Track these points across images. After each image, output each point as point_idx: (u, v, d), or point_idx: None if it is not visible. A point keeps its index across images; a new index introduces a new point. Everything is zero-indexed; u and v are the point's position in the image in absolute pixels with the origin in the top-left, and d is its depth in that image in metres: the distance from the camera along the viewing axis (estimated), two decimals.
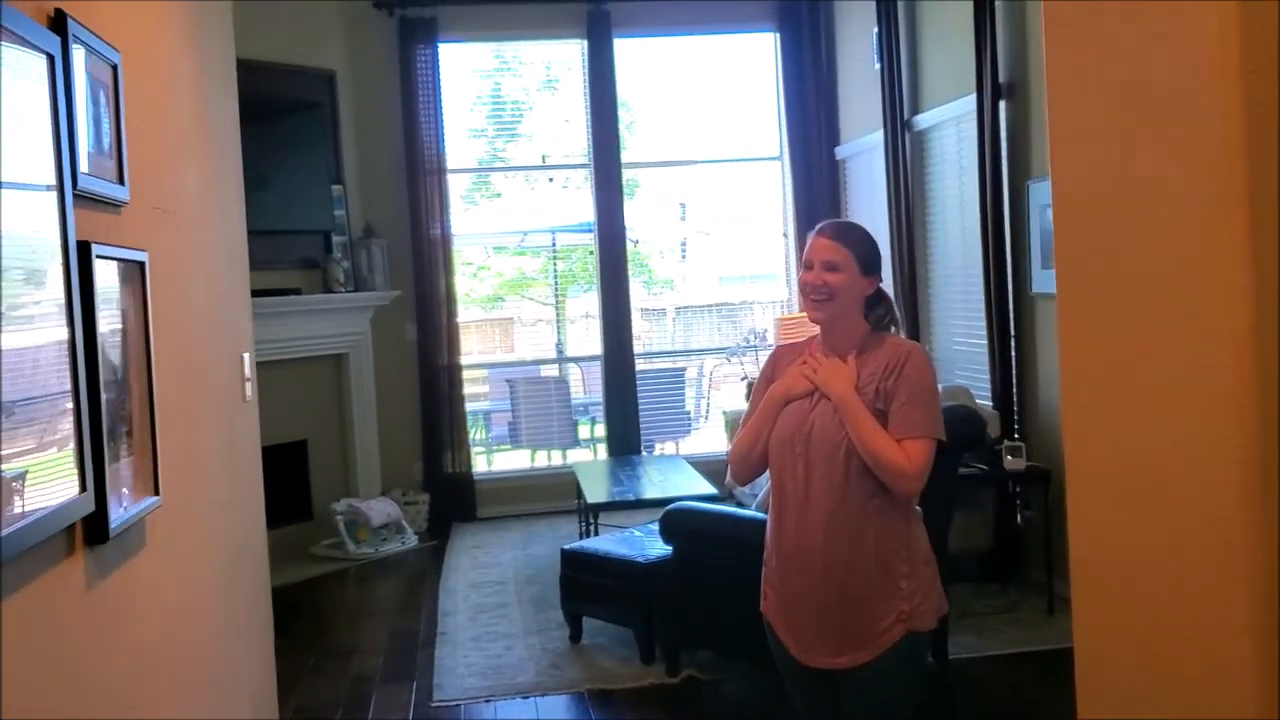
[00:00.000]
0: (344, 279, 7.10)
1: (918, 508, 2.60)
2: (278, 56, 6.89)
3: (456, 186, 8.21)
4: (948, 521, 4.42)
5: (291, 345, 6.86)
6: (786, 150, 8.07)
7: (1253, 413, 1.34)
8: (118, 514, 1.82)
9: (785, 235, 8.28)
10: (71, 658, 1.67)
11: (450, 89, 7.88)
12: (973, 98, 5.68)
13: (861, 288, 2.48)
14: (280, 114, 6.99)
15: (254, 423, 3.16)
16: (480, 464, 8.74)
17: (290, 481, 7.12)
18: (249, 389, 3.08)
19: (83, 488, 1.68)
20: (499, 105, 8.93)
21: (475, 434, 9.04)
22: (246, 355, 3.08)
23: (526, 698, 4.52)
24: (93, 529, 1.74)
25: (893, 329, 2.59)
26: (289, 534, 6.96)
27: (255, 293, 6.47)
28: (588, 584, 5.00)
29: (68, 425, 1.65)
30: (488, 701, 4.51)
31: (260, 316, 6.51)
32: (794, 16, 7.86)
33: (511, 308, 10.93)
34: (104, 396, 1.77)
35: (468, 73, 8.48)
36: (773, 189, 8.37)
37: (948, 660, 4.53)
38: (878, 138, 6.93)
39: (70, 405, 1.66)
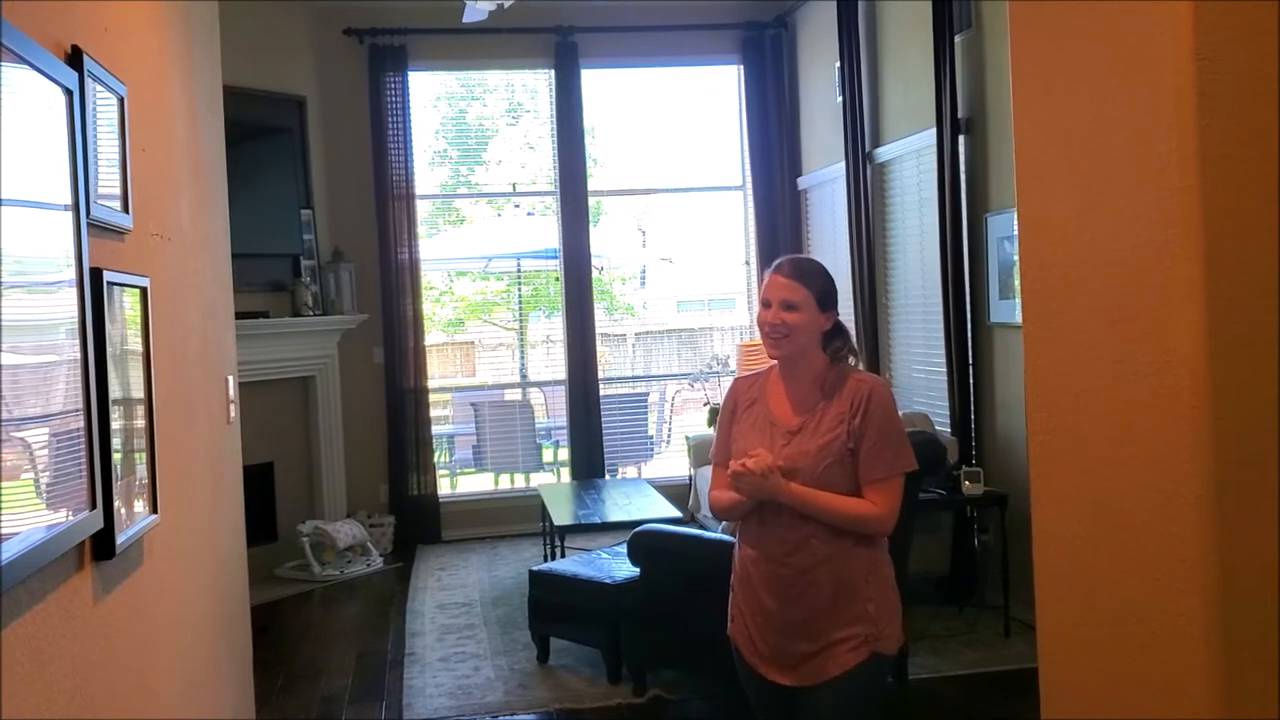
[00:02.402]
0: (312, 302, 7.15)
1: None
2: (248, 81, 6.93)
3: (423, 212, 8.28)
4: (907, 545, 4.54)
5: (259, 368, 6.88)
6: (749, 180, 8.21)
7: (1207, 440, 1.46)
8: (123, 531, 1.89)
9: (747, 263, 8.42)
10: (81, 669, 1.73)
11: (417, 115, 7.97)
12: (932, 132, 5.85)
13: (820, 324, 2.52)
14: (250, 138, 7.03)
15: (236, 443, 3.22)
16: (445, 487, 8.78)
17: (256, 503, 7.11)
18: (233, 410, 3.14)
19: (92, 505, 1.75)
20: (464, 132, 9.03)
21: (440, 457, 9.08)
22: (231, 378, 3.14)
23: (495, 717, 4.58)
24: (100, 545, 1.81)
25: (851, 359, 2.62)
26: (254, 555, 6.87)
27: None
28: (556, 604, 5.07)
29: (80, 444, 1.72)
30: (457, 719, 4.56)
31: None
32: (757, 49, 8.03)
33: (473, 332, 11.00)
34: (114, 417, 1.84)
35: (434, 99, 8.58)
36: (735, 218, 8.51)
37: (908, 680, 4.64)
38: (839, 169, 7.09)
39: (82, 425, 1.73)
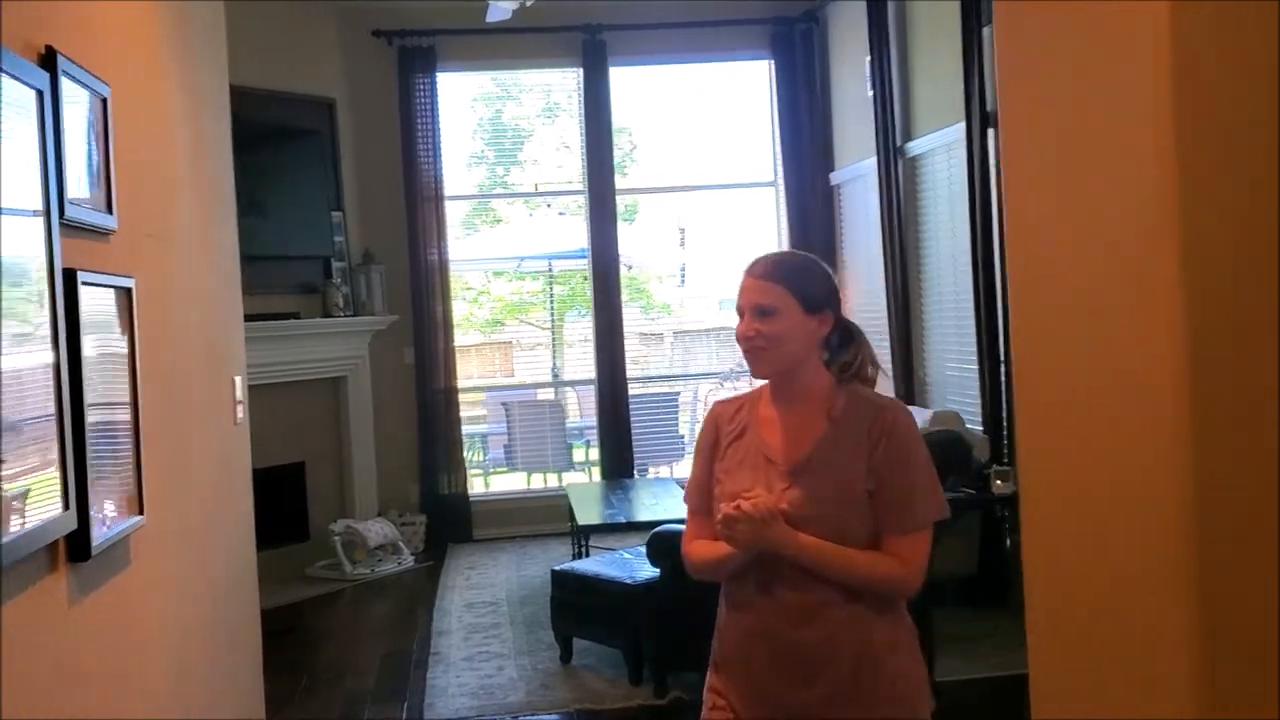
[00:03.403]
0: (343, 303, 7.19)
1: None
2: (278, 84, 7.01)
3: (456, 213, 8.31)
4: (933, 547, 4.47)
5: (291, 368, 6.95)
6: (781, 176, 8.15)
7: (1186, 438, 1.40)
8: (100, 532, 1.88)
9: None
10: (54, 671, 1.73)
11: (451, 116, 8.00)
12: (962, 125, 5.76)
13: (809, 330, 2.07)
14: (281, 141, 7.09)
15: (245, 445, 3.23)
16: (478, 486, 8.80)
17: (288, 503, 7.18)
18: (240, 411, 3.15)
19: (65, 506, 1.74)
20: (500, 132, 9.04)
21: (472, 456, 9.11)
22: (238, 378, 3.15)
23: (516, 717, 4.57)
24: (75, 546, 1.80)
25: (871, 370, 2.16)
26: (286, 555, 7.02)
27: (255, 317, 6.60)
28: (578, 605, 5.05)
29: (54, 445, 1.72)
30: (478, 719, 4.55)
31: (260, 340, 6.62)
32: (787, 44, 7.96)
33: (511, 332, 11.02)
34: (88, 418, 1.84)
35: (469, 100, 8.60)
36: (768, 214, 8.44)
37: (934, 683, 4.56)
38: (871, 164, 7.01)
39: (54, 427, 1.72)
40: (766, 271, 2.10)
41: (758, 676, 2.09)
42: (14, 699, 1.59)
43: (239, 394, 3.14)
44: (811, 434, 2.08)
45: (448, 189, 7.85)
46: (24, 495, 1.61)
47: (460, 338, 9.66)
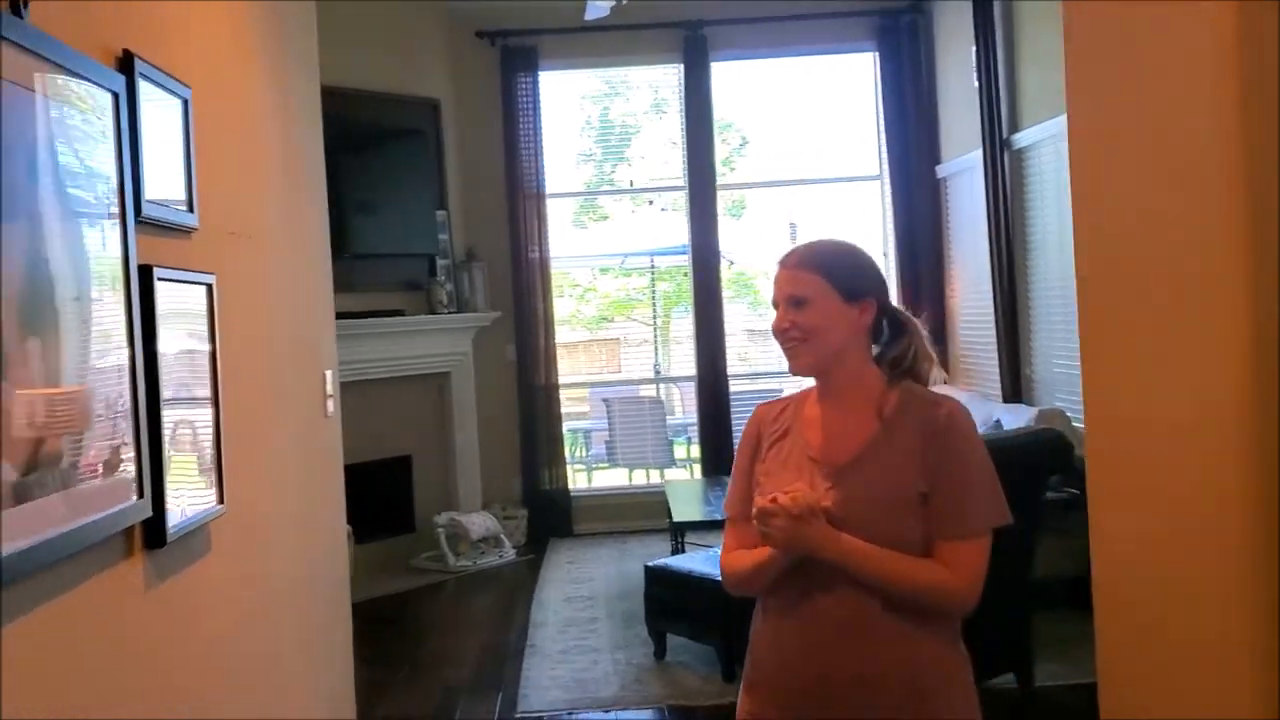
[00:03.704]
0: (447, 300, 7.32)
1: None
2: (386, 86, 7.18)
3: (561, 210, 8.38)
4: (1032, 548, 4.36)
5: (397, 364, 7.12)
6: (886, 169, 8.03)
7: (1250, 437, 1.34)
8: (176, 520, 1.95)
9: (885, 255, 8.22)
10: (130, 652, 1.80)
11: (559, 114, 8.07)
12: None
13: (849, 320, 1.93)
14: (387, 141, 7.26)
15: (336, 437, 3.30)
16: (581, 481, 8.87)
17: (394, 495, 7.35)
18: (330, 405, 3.22)
19: (140, 494, 1.81)
20: (607, 129, 9.09)
21: (575, 452, 9.19)
22: (329, 373, 3.22)
23: (607, 711, 4.59)
24: (151, 533, 1.87)
25: (925, 366, 2.00)
26: (391, 546, 7.19)
27: (363, 314, 6.77)
28: (671, 601, 5.05)
29: (130, 435, 1.78)
30: (570, 713, 4.58)
31: (368, 336, 6.80)
32: (893, 35, 7.83)
33: (619, 328, 11.08)
34: (164, 410, 1.90)
35: (577, 98, 8.66)
36: (873, 208, 8.32)
37: (1034, 687, 4.45)
38: (977, 156, 6.85)
39: (129, 418, 1.79)
40: (800, 260, 1.97)
41: (792, 699, 1.91)
42: (94, 671, 1.66)
43: (329, 388, 3.21)
44: (860, 433, 1.93)
45: (553, 186, 7.95)
46: (102, 481, 1.68)
47: (568, 334, 9.76)
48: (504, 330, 7.77)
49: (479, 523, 7.16)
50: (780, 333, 1.95)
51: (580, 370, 10.04)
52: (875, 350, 2.01)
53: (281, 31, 2.92)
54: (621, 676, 4.95)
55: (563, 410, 8.03)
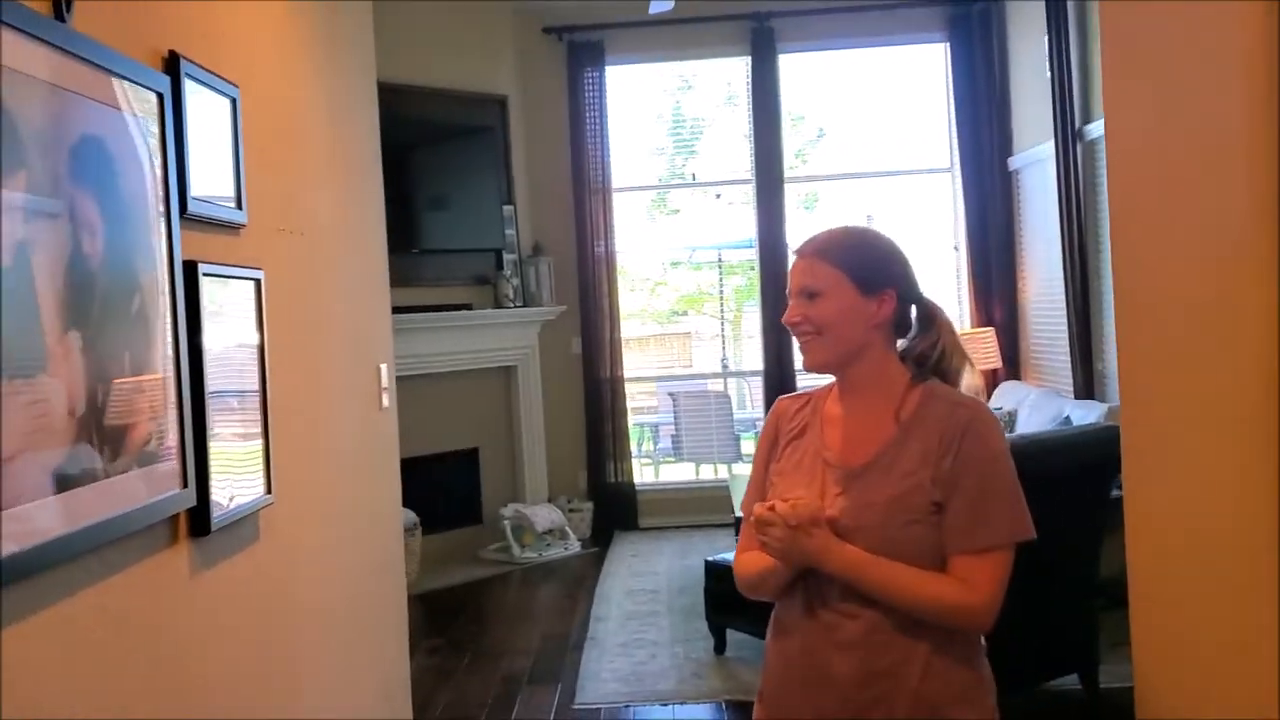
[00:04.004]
0: (513, 295, 7.38)
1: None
2: (455, 84, 7.27)
3: (629, 204, 8.39)
4: (1097, 547, 4.27)
5: (464, 357, 7.21)
6: (957, 162, 7.91)
7: (1274, 444, 1.30)
8: (222, 509, 2.00)
9: (956, 248, 8.11)
10: (175, 637, 1.85)
11: (626, 108, 8.09)
12: None
13: (866, 313, 1.81)
14: (456, 138, 7.34)
15: (392, 429, 3.35)
16: (648, 475, 8.90)
17: (462, 487, 7.44)
18: (386, 398, 3.27)
19: (184, 484, 1.86)
20: (679, 123, 9.09)
21: (642, 445, 9.22)
22: (384, 366, 3.27)
23: (665, 704, 4.60)
24: (196, 522, 1.92)
25: (954, 364, 1.87)
26: (459, 537, 7.29)
27: (431, 308, 6.86)
28: (731, 596, 5.01)
29: (173, 426, 1.84)
30: (627, 706, 4.61)
31: (435, 330, 6.89)
32: (964, 25, 7.71)
33: (690, 322, 11.08)
34: (209, 401, 1.95)
35: (645, 91, 8.67)
36: (944, 202, 8.21)
37: (1099, 690, 4.36)
38: (1049, 148, 6.72)
39: (174, 409, 1.84)
40: (815, 249, 1.86)
41: (801, 715, 1.83)
42: (139, 654, 1.71)
43: (384, 381, 3.26)
44: (877, 435, 1.81)
45: (624, 180, 7.98)
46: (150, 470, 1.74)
47: (638, 328, 9.79)
48: (570, 324, 7.82)
49: (544, 515, 7.22)
50: (792, 325, 1.85)
51: (652, 364, 10.07)
52: (899, 344, 1.89)
53: (334, 31, 2.97)
54: (680, 671, 4.96)
55: (631, 404, 8.06)
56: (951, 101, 7.91)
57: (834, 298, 1.82)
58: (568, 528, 7.36)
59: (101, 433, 1.59)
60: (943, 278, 8.44)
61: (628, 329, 8.07)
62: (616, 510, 7.79)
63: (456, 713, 4.59)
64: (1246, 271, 1.32)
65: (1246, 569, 1.38)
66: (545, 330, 7.72)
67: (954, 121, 7.90)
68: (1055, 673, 4.28)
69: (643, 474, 8.69)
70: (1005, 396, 6.94)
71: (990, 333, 7.49)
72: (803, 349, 1.86)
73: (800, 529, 1.74)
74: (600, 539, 7.60)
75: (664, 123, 8.92)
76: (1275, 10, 1.27)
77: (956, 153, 7.91)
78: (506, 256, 7.47)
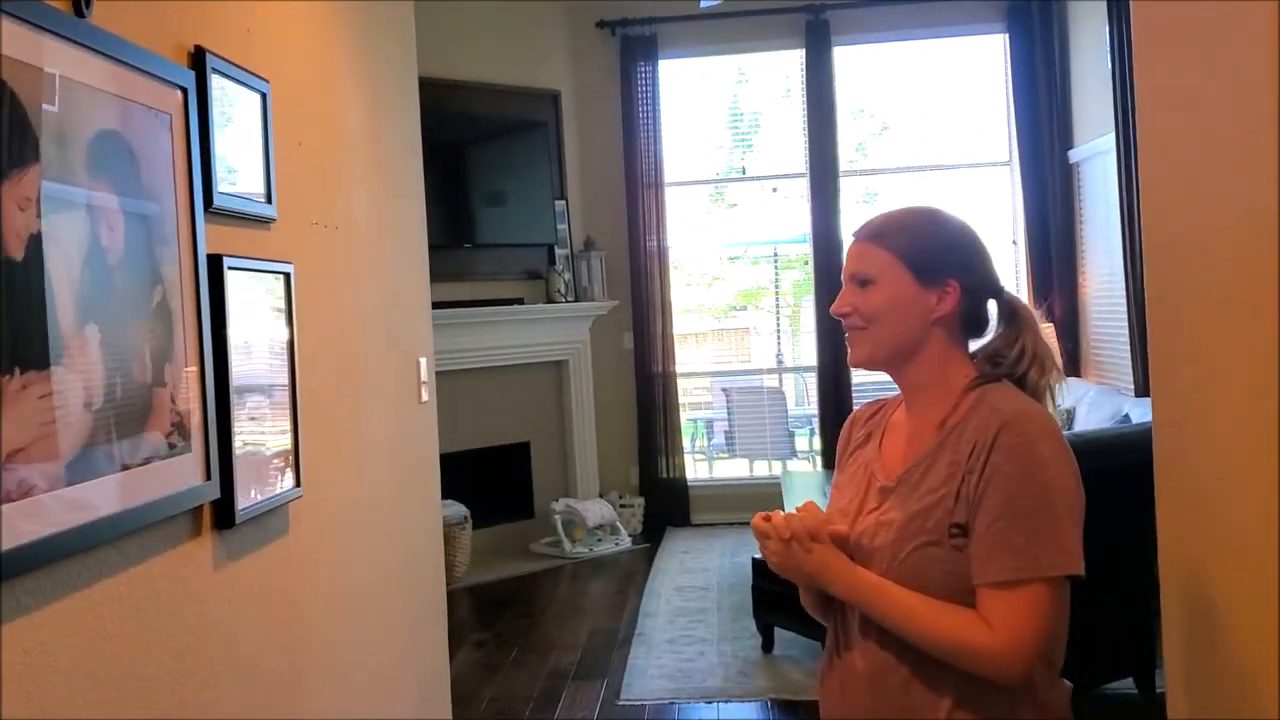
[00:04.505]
0: (564, 289, 7.39)
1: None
2: (509, 80, 7.30)
3: (684, 198, 8.35)
4: (1154, 550, 4.16)
5: (516, 352, 7.24)
6: (1016, 155, 7.77)
7: None
8: (246, 502, 2.01)
9: (1015, 243, 7.97)
10: (200, 628, 1.86)
11: (680, 102, 8.06)
12: None
13: (923, 305, 1.61)
14: (510, 133, 7.37)
15: (430, 423, 3.36)
16: (703, 470, 8.86)
17: (513, 481, 7.47)
18: (425, 391, 3.28)
19: (206, 476, 1.87)
20: (736, 117, 9.04)
21: (696, 441, 9.18)
22: (423, 360, 3.28)
23: (710, 702, 4.58)
24: (220, 514, 1.93)
25: (1031, 371, 1.62)
26: (511, 530, 7.32)
27: (483, 302, 6.89)
28: (778, 594, 4.99)
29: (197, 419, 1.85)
30: (672, 703, 4.59)
31: (488, 324, 6.93)
32: (1024, 16, 7.58)
33: (748, 318, 11.01)
34: (234, 395, 1.96)
35: (699, 85, 8.63)
36: (1002, 195, 8.07)
37: (1154, 693, 4.26)
38: (1110, 140, 6.58)
39: (198, 402, 1.85)
40: (869, 232, 1.67)
41: None
42: (161, 645, 1.73)
43: (424, 375, 3.27)
44: (920, 445, 1.62)
45: (677, 175, 7.94)
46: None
47: (695, 323, 9.74)
48: (621, 319, 7.82)
49: (595, 510, 7.22)
50: (840, 315, 1.67)
51: (708, 360, 10.03)
52: (971, 343, 1.68)
53: (372, 28, 2.98)
54: (727, 668, 4.93)
55: (687, 400, 8.04)
56: (1011, 93, 7.78)
57: (887, 286, 1.62)
58: (619, 523, 7.36)
59: (120, 426, 1.60)
60: (1001, 273, 8.29)
61: (684, 324, 8.04)
62: (668, 506, 7.78)
63: (501, 708, 4.60)
64: (1274, 268, 1.26)
65: (1264, 565, 1.33)
66: (597, 325, 7.72)
67: (1013, 114, 7.76)
68: (1111, 676, 4.19)
69: (696, 470, 8.65)
70: (1063, 394, 6.80)
71: (1050, 329, 7.35)
72: (849, 341, 1.68)
73: (796, 543, 1.58)
74: (652, 535, 7.59)
75: (718, 117, 8.86)
76: None
77: (1015, 146, 7.77)
78: (558, 251, 7.48)
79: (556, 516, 7.16)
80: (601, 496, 7.62)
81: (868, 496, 1.66)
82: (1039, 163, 7.61)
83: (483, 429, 7.20)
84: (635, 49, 7.71)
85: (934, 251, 1.64)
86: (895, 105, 8.68)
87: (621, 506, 7.61)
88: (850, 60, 7.99)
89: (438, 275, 6.77)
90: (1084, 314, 7.43)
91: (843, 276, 1.70)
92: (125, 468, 1.62)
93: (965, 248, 1.67)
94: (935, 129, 8.37)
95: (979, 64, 8.11)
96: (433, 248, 6.72)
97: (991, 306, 1.69)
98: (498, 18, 7.21)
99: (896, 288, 1.62)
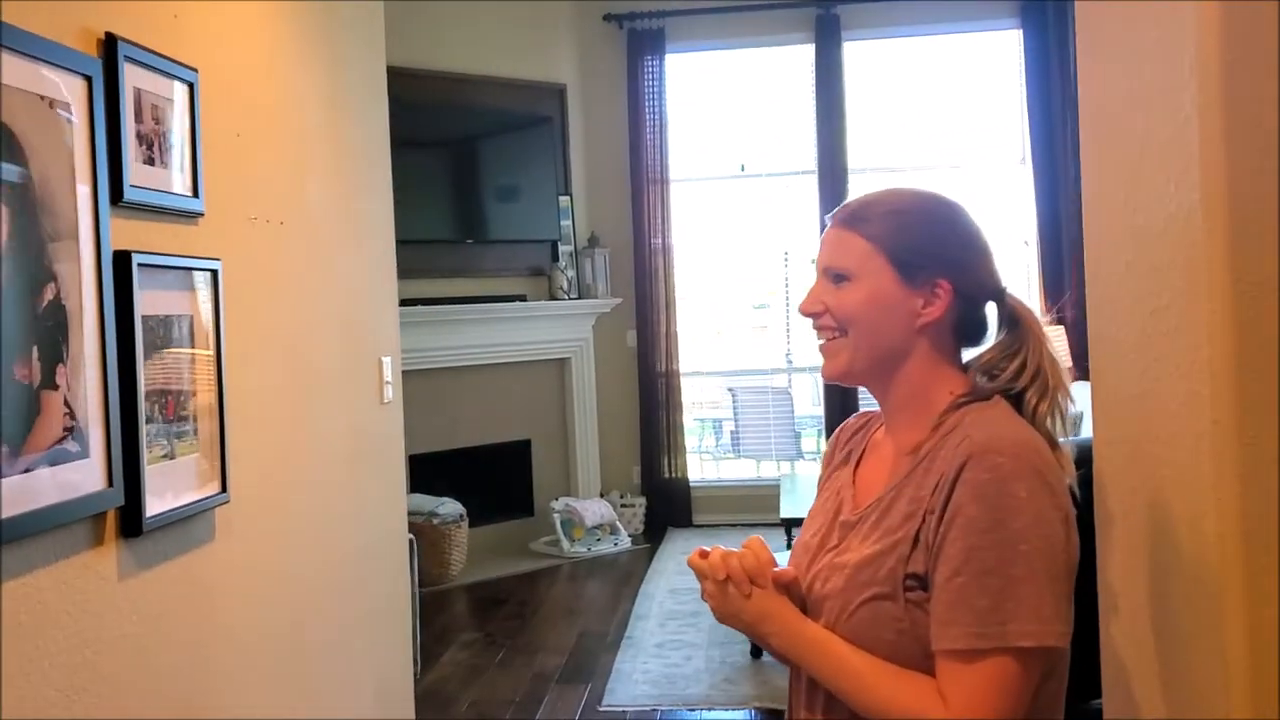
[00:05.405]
0: (568, 286, 7.31)
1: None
2: (514, 73, 7.22)
3: (690, 194, 8.24)
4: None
5: (517, 349, 7.17)
6: (1029, 154, 7.62)
7: (1231, 458, 1.14)
8: (159, 508, 1.93)
9: (1026, 243, 7.81)
10: (96, 638, 1.78)
11: (686, 97, 7.95)
12: None
13: (907, 309, 1.36)
14: (514, 128, 7.29)
15: (395, 424, 3.28)
16: (709, 471, 8.75)
17: (514, 479, 7.40)
18: (389, 391, 3.20)
19: (109, 482, 1.79)
20: (740, 112, 8.90)
21: (703, 441, 9.08)
22: (387, 359, 3.20)
23: (693, 710, 4.49)
24: (126, 522, 1.86)
25: (1028, 391, 1.35)
26: (511, 529, 7.25)
27: (484, 299, 6.82)
28: None
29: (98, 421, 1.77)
30: (654, 710, 4.50)
31: (489, 321, 6.86)
32: (1038, 12, 7.42)
33: (756, 317, 10.88)
34: (142, 397, 1.88)
35: (707, 80, 8.51)
36: (1015, 194, 7.91)
37: None
38: None
39: (99, 405, 1.77)
40: (846, 216, 1.41)
41: None
42: (53, 657, 1.65)
43: (388, 375, 3.19)
44: (893, 473, 1.39)
45: (683, 171, 7.84)
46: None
47: (700, 322, 9.62)
48: (625, 317, 7.72)
49: (594, 509, 7.14)
50: (809, 317, 1.41)
51: (716, 359, 9.92)
52: (965, 354, 1.43)
53: (332, 19, 2.90)
54: (713, 675, 4.83)
55: (696, 399, 7.93)
56: (1024, 91, 7.62)
57: (864, 283, 1.36)
58: (618, 523, 7.27)
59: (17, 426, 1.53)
60: (1013, 274, 8.15)
61: (689, 322, 7.93)
62: (670, 506, 7.68)
63: (480, 711, 4.53)
64: (1201, 271, 1.16)
65: (1193, 582, 1.23)
66: (600, 323, 7.63)
67: (1027, 111, 7.61)
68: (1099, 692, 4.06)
69: (703, 470, 8.55)
70: (1074, 398, 6.66)
71: (1060, 331, 7.20)
72: (822, 351, 1.42)
73: (734, 584, 1.37)
74: (653, 535, 7.50)
75: (726, 112, 8.74)
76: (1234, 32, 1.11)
77: (1029, 143, 7.62)
78: (562, 248, 7.39)
79: (555, 515, 7.08)
80: (603, 496, 7.54)
81: (830, 531, 1.42)
82: (1052, 161, 7.46)
83: (484, 426, 7.13)
84: (642, 43, 7.61)
85: (922, 244, 1.37)
86: (906, 103, 8.52)
87: (623, 506, 7.52)
88: (861, 56, 7.85)
89: (439, 271, 6.78)
90: None
91: (815, 268, 1.44)
92: (3, 474, 1.54)
93: (960, 241, 1.40)
94: (947, 126, 8.21)
95: (992, 60, 7.95)
96: (434, 243, 6.75)
97: (990, 309, 1.42)
98: (504, 11, 7.13)
99: (875, 285, 1.36)
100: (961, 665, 1.22)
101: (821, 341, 1.43)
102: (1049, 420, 1.34)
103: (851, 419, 1.59)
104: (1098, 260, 1.48)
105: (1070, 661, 1.33)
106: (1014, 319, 1.40)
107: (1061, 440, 1.34)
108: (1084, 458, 1.51)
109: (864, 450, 1.50)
